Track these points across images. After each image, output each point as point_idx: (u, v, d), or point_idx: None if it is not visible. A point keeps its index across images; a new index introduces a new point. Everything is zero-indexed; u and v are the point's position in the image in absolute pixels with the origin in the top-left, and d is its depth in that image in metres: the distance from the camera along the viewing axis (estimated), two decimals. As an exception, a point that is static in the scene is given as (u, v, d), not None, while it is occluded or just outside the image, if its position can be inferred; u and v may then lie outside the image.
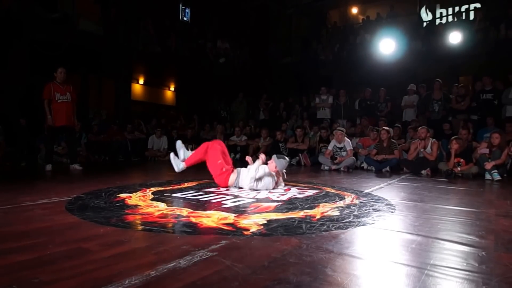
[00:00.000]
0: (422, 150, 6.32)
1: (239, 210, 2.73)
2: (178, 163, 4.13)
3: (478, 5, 10.89)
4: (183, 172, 4.20)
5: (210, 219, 2.43)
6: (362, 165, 7.16)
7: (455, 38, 9.38)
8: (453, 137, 6.11)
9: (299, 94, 11.24)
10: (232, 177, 3.88)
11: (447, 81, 8.86)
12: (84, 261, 1.59)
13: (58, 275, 1.42)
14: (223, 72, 11.74)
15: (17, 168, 5.92)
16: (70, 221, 2.32)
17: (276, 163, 3.87)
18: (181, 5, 12.39)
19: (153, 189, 3.61)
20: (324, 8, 14.17)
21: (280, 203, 3.07)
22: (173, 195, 3.36)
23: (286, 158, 4.04)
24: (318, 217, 2.56)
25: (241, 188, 3.80)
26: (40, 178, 4.93)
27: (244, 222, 2.36)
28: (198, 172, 4.61)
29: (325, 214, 2.67)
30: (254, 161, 3.97)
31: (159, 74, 11.64)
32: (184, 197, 3.25)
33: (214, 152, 3.95)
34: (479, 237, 2.12)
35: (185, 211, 2.63)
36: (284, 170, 4.02)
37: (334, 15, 14.57)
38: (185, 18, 12.53)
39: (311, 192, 3.73)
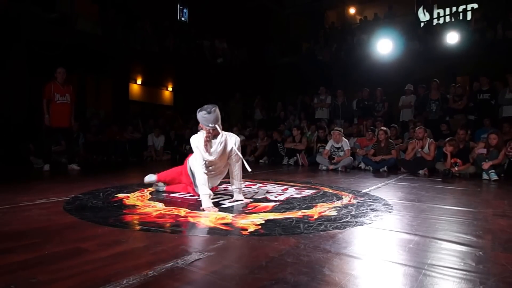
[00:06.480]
0: (419, 150, 6.34)
1: (237, 210, 2.73)
2: (151, 176, 3.56)
3: (475, 5, 10.95)
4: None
5: (208, 219, 2.43)
6: (360, 165, 7.17)
7: (452, 38, 9.42)
8: (446, 140, 6.13)
9: (297, 94, 11.25)
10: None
11: (444, 81, 8.87)
12: (82, 261, 1.59)
13: (56, 275, 1.42)
14: (221, 72, 11.74)
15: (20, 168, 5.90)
16: (68, 221, 2.32)
17: (200, 120, 2.90)
18: (179, 5, 12.40)
19: (151, 189, 3.61)
20: (322, 9, 14.19)
21: (277, 203, 3.08)
22: (171, 195, 3.37)
23: (210, 107, 2.85)
24: (315, 217, 2.57)
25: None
26: (38, 178, 4.91)
27: (242, 222, 2.37)
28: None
29: (323, 214, 2.68)
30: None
31: (157, 74, 11.63)
32: (182, 197, 3.25)
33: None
34: (476, 237, 2.13)
35: (183, 211, 2.63)
36: (217, 125, 2.90)
37: (332, 16, 14.60)
38: (183, 18, 12.53)
39: (308, 192, 3.73)
